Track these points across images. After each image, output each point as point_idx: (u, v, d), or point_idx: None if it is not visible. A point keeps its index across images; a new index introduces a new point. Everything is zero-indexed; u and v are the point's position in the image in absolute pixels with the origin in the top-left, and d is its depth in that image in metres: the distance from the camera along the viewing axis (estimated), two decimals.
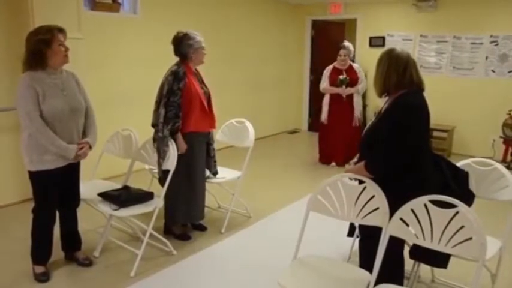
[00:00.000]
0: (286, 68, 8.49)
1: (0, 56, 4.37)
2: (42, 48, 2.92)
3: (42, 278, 3.19)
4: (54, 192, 3.14)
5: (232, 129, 4.33)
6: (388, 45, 7.42)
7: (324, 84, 6.11)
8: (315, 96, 8.68)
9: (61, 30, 3.00)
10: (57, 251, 3.39)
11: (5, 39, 4.39)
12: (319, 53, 8.65)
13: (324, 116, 6.16)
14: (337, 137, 6.09)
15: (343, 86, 5.94)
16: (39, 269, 3.21)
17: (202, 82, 3.77)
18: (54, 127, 2.96)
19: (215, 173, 3.98)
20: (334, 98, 6.07)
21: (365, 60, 7.65)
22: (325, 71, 6.15)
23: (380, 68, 2.57)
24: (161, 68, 3.69)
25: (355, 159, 2.75)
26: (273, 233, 4.05)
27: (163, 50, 3.83)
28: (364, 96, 7.88)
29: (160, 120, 3.52)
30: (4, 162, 4.50)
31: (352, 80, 6.00)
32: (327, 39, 8.71)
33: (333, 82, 6.08)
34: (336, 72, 6.07)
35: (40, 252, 3.22)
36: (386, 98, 2.65)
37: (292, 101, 8.73)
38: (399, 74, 2.51)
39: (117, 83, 5.54)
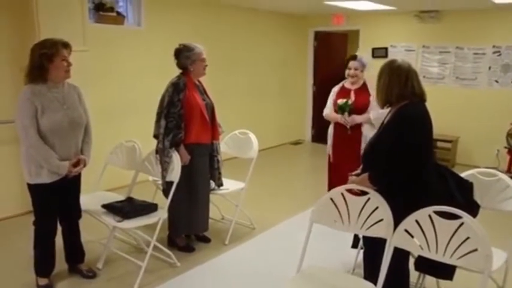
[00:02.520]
0: (290, 79, 8.51)
1: (4, 68, 4.42)
2: (44, 62, 2.93)
3: None
4: (53, 204, 3.13)
5: (235, 140, 4.34)
6: (391, 56, 7.44)
7: (327, 109, 4.35)
8: (318, 107, 8.71)
9: (66, 45, 3.01)
10: (60, 263, 3.38)
11: (10, 50, 4.43)
12: (321, 64, 8.69)
13: (328, 149, 4.45)
14: (342, 180, 4.56)
15: (345, 114, 4.12)
16: (43, 281, 3.21)
17: (204, 93, 3.78)
18: (53, 141, 2.97)
19: (220, 185, 3.97)
20: (339, 128, 4.22)
21: (368, 72, 7.66)
22: (331, 92, 4.43)
23: (381, 80, 2.57)
24: (165, 80, 3.71)
25: (358, 171, 2.75)
26: (277, 244, 4.04)
27: (167, 61, 3.85)
28: None
29: (160, 131, 3.54)
30: (7, 174, 4.52)
31: (360, 105, 4.12)
32: (330, 50, 8.76)
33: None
34: (343, 93, 4.28)
35: (43, 264, 3.21)
36: (389, 109, 2.65)
37: (296, 112, 8.74)
38: (401, 86, 2.51)
39: (121, 95, 5.56)
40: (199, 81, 3.79)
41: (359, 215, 2.46)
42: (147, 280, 3.34)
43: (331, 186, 4.27)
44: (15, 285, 3.29)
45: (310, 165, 7.31)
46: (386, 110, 2.94)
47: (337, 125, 4.21)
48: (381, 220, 2.37)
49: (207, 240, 4.03)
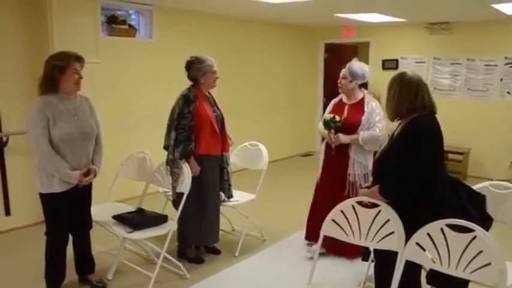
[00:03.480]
0: (300, 90, 8.53)
1: (19, 80, 4.49)
2: (56, 74, 2.99)
3: None
4: (64, 214, 3.15)
5: (246, 151, 4.34)
6: (402, 68, 7.43)
7: (321, 122, 3.88)
8: None
9: (78, 59, 3.06)
10: (71, 274, 3.39)
11: (25, 62, 4.51)
12: (332, 76, 8.64)
13: (319, 169, 3.99)
14: (325, 205, 3.40)
15: (331, 131, 3.66)
16: None
17: (214, 105, 3.80)
18: (64, 151, 3.00)
19: (230, 197, 3.97)
20: (328, 146, 3.83)
21: (378, 84, 7.65)
22: (330, 103, 4.05)
23: (391, 92, 2.56)
24: (176, 92, 3.74)
25: (368, 183, 2.73)
26: (287, 256, 4.01)
27: (178, 73, 3.89)
28: None
29: (171, 143, 3.57)
30: (21, 184, 4.57)
31: (350, 124, 3.64)
32: (340, 62, 8.69)
33: None
34: (338, 107, 3.86)
35: (53, 274, 3.23)
36: (399, 121, 2.64)
37: (306, 124, 8.73)
38: (411, 98, 2.49)
39: (133, 106, 5.62)
40: (209, 93, 3.81)
41: (370, 228, 2.44)
42: None
43: (314, 208, 4.02)
44: None
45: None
46: (377, 133, 3.34)
47: (327, 142, 3.82)
48: (392, 233, 2.35)
49: (217, 251, 4.02)
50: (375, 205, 2.49)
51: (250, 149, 4.31)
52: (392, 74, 2.69)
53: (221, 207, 3.96)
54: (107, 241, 3.92)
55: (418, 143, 2.39)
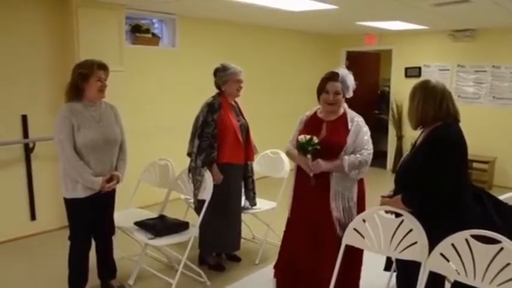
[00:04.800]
0: None
1: (47, 87, 4.61)
2: (80, 82, 3.06)
3: None
4: (88, 220, 3.20)
5: (267, 160, 4.34)
6: (425, 75, 7.34)
7: (289, 144, 3.22)
8: None
9: (102, 67, 3.12)
10: (93, 279, 3.43)
11: (52, 70, 4.62)
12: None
13: (289, 202, 3.24)
14: (297, 243, 3.13)
15: (308, 157, 2.89)
16: None
17: (240, 114, 3.81)
18: (88, 157, 3.05)
19: (254, 205, 3.97)
20: (301, 173, 3.06)
21: (400, 92, 7.58)
22: (298, 121, 3.30)
23: (415, 101, 2.52)
24: (198, 100, 3.77)
25: (390, 192, 2.70)
26: None
27: (201, 82, 3.94)
28: (399, 127, 7.79)
29: (193, 150, 3.59)
30: (47, 189, 4.67)
31: (331, 146, 2.91)
32: (362, 70, 8.70)
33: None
34: (313, 124, 3.11)
35: (76, 279, 3.27)
36: (422, 130, 2.61)
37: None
38: (435, 107, 2.46)
39: (156, 114, 5.68)
40: (235, 102, 3.82)
41: (392, 237, 2.41)
42: None
43: (284, 246, 3.25)
44: None
45: None
46: (367, 157, 2.86)
47: (300, 168, 3.05)
48: (415, 243, 2.32)
49: (237, 259, 4.02)
50: (397, 214, 2.46)
51: (272, 157, 4.32)
52: (415, 82, 2.66)
53: (243, 215, 3.96)
54: (129, 247, 3.96)
55: (442, 151, 2.36)
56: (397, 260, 2.71)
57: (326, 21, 6.34)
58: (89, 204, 3.13)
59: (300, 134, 3.01)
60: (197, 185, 3.55)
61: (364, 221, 2.51)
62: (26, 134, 4.52)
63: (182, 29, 5.90)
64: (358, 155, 2.90)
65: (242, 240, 4.07)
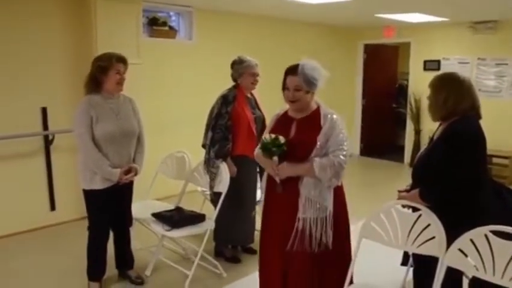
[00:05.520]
0: (338, 92, 8.41)
1: (66, 80, 4.66)
2: (98, 74, 3.09)
3: None
4: (106, 211, 3.25)
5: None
6: (444, 69, 7.23)
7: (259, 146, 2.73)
8: (367, 121, 8.58)
9: (121, 59, 3.14)
10: (111, 269, 3.49)
11: (71, 63, 4.68)
12: (371, 77, 8.57)
13: (260, 212, 3.05)
14: (270, 255, 2.75)
15: (274, 159, 2.55)
16: (94, 286, 3.32)
17: (255, 107, 3.81)
18: (106, 149, 3.09)
19: None
20: (270, 179, 2.69)
21: (419, 85, 7.49)
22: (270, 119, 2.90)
23: (443, 94, 2.45)
24: (215, 93, 3.78)
25: (407, 187, 2.67)
26: None
27: (217, 74, 3.94)
28: (417, 121, 7.69)
29: (207, 142, 3.61)
30: (65, 181, 4.74)
31: (300, 147, 2.54)
32: (380, 63, 8.64)
33: None
34: (282, 123, 2.72)
35: (95, 269, 3.33)
36: (439, 123, 2.57)
37: (344, 126, 8.61)
38: (463, 101, 2.42)
39: (173, 106, 5.71)
40: (251, 94, 3.82)
41: (410, 232, 2.39)
42: None
43: (260, 260, 2.87)
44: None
45: (359, 180, 7.17)
46: (342, 160, 2.44)
47: (270, 175, 2.69)
48: (433, 238, 2.29)
49: (253, 252, 4.03)
50: (414, 209, 2.44)
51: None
52: (433, 75, 2.62)
53: (258, 208, 3.96)
54: (146, 238, 4.00)
55: (460, 146, 2.32)
56: (414, 255, 2.69)
57: (344, 13, 6.28)
58: (107, 196, 3.17)
59: (270, 132, 2.66)
60: (212, 176, 3.57)
61: (382, 215, 2.49)
62: (45, 126, 4.60)
63: (199, 21, 5.91)
64: (331, 157, 2.47)
65: (257, 233, 4.08)
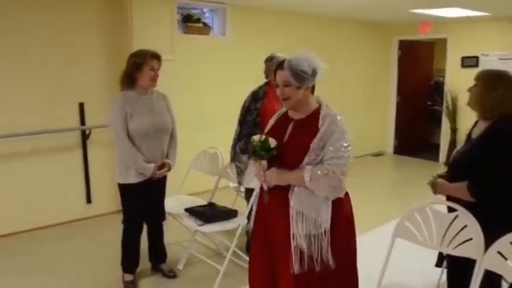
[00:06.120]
0: (371, 88, 8.32)
1: (102, 76, 4.77)
2: (133, 70, 3.14)
3: (130, 285, 3.37)
4: (140, 205, 3.30)
5: None
6: (483, 65, 7.01)
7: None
8: (402, 118, 8.43)
9: (155, 56, 3.18)
10: (145, 261, 3.56)
11: (108, 60, 4.79)
12: (406, 73, 8.41)
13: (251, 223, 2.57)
14: (258, 268, 2.48)
15: (263, 163, 2.28)
16: (128, 277, 3.40)
17: None
18: (140, 144, 3.14)
19: None
20: (261, 190, 2.42)
21: (456, 82, 7.30)
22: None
23: (497, 91, 2.37)
24: (248, 89, 3.79)
25: (442, 171, 2.58)
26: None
27: (251, 70, 3.94)
28: (454, 119, 7.50)
29: (234, 137, 3.63)
30: (101, 175, 4.87)
31: (291, 152, 2.24)
32: (415, 60, 8.46)
33: None
34: (280, 124, 2.42)
35: (128, 261, 3.41)
36: (477, 121, 2.50)
37: (378, 123, 8.51)
38: None
39: (206, 102, 5.75)
40: None
41: (446, 232, 2.34)
42: (225, 284, 3.40)
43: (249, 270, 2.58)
44: (104, 279, 3.52)
45: (392, 178, 7.08)
46: (339, 170, 2.14)
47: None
48: (470, 239, 2.23)
49: None
50: (450, 209, 2.38)
51: None
52: (471, 72, 2.54)
53: None
54: (179, 233, 4.06)
55: (508, 144, 2.25)
56: (449, 256, 2.62)
57: (379, 9, 6.18)
58: (141, 190, 3.23)
59: (267, 134, 2.37)
60: (238, 171, 3.58)
61: (417, 214, 2.44)
62: (83, 121, 4.71)
63: (232, 18, 5.92)
64: (326, 165, 2.14)
65: None
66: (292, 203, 2.19)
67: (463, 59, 7.45)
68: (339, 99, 7.65)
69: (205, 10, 5.92)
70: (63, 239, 4.35)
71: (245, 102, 3.70)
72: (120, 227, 3.36)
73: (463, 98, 2.51)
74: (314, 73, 2.27)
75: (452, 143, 7.47)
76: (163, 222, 3.56)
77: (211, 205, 3.65)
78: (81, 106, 4.69)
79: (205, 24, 5.73)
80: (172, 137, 3.39)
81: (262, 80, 3.77)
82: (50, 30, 4.43)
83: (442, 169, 2.75)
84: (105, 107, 4.48)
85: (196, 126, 5.50)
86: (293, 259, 2.16)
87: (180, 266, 3.66)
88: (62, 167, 4.67)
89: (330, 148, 2.17)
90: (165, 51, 4.09)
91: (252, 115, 3.60)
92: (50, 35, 4.43)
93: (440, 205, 2.47)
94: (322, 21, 7.10)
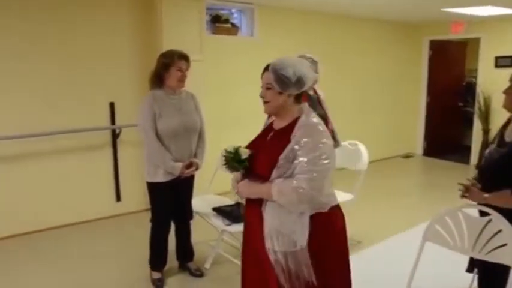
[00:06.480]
0: (401, 89, 8.19)
1: (132, 76, 4.85)
2: (161, 70, 3.18)
3: (158, 283, 3.40)
4: (168, 204, 3.34)
5: (344, 151, 4.25)
6: None
7: None
8: (432, 119, 8.27)
9: (183, 57, 3.20)
10: (172, 260, 3.59)
11: (138, 60, 4.86)
12: (437, 74, 8.24)
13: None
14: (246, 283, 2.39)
15: (238, 174, 2.24)
16: (156, 275, 3.44)
17: (317, 105, 3.74)
18: (168, 143, 3.17)
19: None
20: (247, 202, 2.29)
21: (489, 82, 7.11)
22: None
23: None
24: None
25: (475, 175, 2.52)
26: (384, 261, 3.89)
27: None
28: (486, 120, 7.31)
29: None
30: (130, 173, 4.95)
31: (261, 163, 2.11)
32: (447, 60, 8.28)
33: None
34: (265, 132, 2.32)
35: (156, 259, 3.45)
36: (509, 121, 2.43)
37: (407, 124, 8.37)
38: None
39: (234, 102, 5.77)
40: (315, 92, 3.78)
41: (478, 237, 2.28)
42: None
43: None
44: (133, 276, 3.57)
45: (421, 181, 6.94)
46: (303, 184, 1.88)
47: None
48: (505, 245, 2.17)
49: None
50: (482, 213, 2.32)
51: (350, 149, 4.23)
52: (506, 72, 2.48)
53: None
54: (206, 232, 4.08)
55: None
56: (480, 262, 2.55)
57: (410, 8, 6.08)
58: (169, 189, 3.26)
59: (249, 143, 2.27)
60: None
61: (448, 218, 2.39)
62: (113, 120, 4.80)
63: (260, 18, 5.93)
64: (295, 180, 1.94)
65: None
66: (266, 217, 2.05)
67: (497, 58, 7.25)
68: (367, 99, 7.60)
69: (233, 11, 5.94)
70: (93, 236, 4.44)
71: None
72: (148, 225, 3.40)
73: (497, 99, 2.46)
74: (299, 81, 2.06)
75: (485, 145, 7.27)
76: (191, 221, 3.59)
77: (238, 205, 3.66)
78: (112, 106, 4.77)
79: (233, 25, 5.75)
80: (200, 136, 3.42)
81: None
82: (83, 30, 4.52)
83: (473, 172, 2.70)
84: (134, 106, 4.55)
85: (224, 126, 5.53)
86: (276, 274, 2.02)
87: (207, 265, 3.68)
88: (92, 166, 4.77)
89: (302, 160, 1.95)
90: (194, 51, 4.12)
91: None
92: (82, 36, 4.53)
93: (472, 209, 2.41)
94: (350, 22, 7.04)
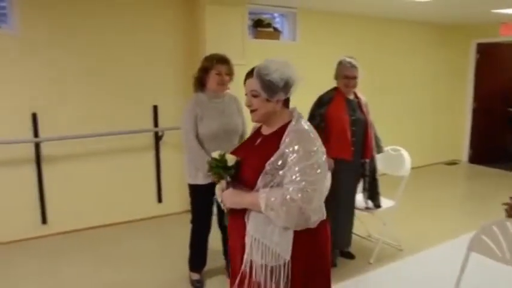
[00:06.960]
0: (446, 94, 7.96)
1: (176, 79, 4.96)
2: (202, 74, 3.24)
3: (197, 284, 3.45)
4: (208, 205, 3.37)
5: (387, 157, 4.18)
6: None
7: None
8: (478, 125, 7.99)
9: (222, 61, 3.23)
10: (212, 261, 3.62)
11: (181, 64, 4.96)
12: (484, 78, 7.94)
13: None
14: None
15: (223, 182, 2.05)
16: (195, 276, 3.49)
17: (357, 109, 3.68)
18: (209, 146, 3.20)
19: (378, 206, 3.81)
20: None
21: None
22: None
23: None
24: (318, 93, 3.76)
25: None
26: (426, 271, 3.78)
27: (321, 75, 3.90)
28: None
29: None
30: (172, 175, 5.05)
31: (249, 169, 1.97)
32: (496, 64, 7.97)
33: None
34: (253, 137, 2.19)
35: (195, 260, 3.50)
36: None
37: (452, 130, 8.12)
38: None
39: None
40: (356, 96, 3.74)
41: None
42: None
43: None
44: (172, 276, 3.63)
45: (466, 189, 6.71)
46: (294, 195, 1.73)
47: None
48: None
49: (351, 256, 3.95)
50: None
51: (392, 154, 4.15)
52: None
53: (357, 212, 3.87)
54: None
55: None
56: None
57: (456, 10, 5.91)
58: (209, 191, 3.28)
59: (235, 149, 2.16)
60: None
61: (495, 228, 2.31)
62: (156, 123, 4.91)
63: (302, 22, 5.92)
64: (284, 190, 1.79)
65: (357, 238, 4.00)
66: (248, 228, 1.91)
67: None
68: (409, 103, 7.44)
69: (275, 15, 5.96)
70: (135, 236, 4.54)
71: (312, 107, 3.69)
72: (188, 227, 3.45)
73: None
74: (286, 85, 1.95)
75: None
76: None
77: None
78: (155, 108, 4.88)
79: (275, 29, 5.77)
80: (242, 139, 3.44)
81: (333, 85, 3.73)
82: (127, 37, 4.66)
83: None
84: (177, 109, 4.66)
85: None
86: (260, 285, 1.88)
87: None
88: (135, 167, 4.89)
89: (292, 168, 1.79)
90: (237, 55, 4.16)
91: (315, 120, 3.56)
92: (127, 42, 4.67)
93: None
94: (393, 24, 6.92)
